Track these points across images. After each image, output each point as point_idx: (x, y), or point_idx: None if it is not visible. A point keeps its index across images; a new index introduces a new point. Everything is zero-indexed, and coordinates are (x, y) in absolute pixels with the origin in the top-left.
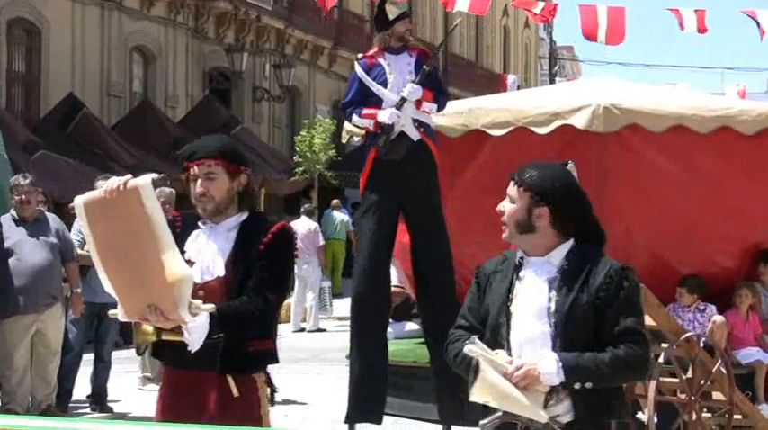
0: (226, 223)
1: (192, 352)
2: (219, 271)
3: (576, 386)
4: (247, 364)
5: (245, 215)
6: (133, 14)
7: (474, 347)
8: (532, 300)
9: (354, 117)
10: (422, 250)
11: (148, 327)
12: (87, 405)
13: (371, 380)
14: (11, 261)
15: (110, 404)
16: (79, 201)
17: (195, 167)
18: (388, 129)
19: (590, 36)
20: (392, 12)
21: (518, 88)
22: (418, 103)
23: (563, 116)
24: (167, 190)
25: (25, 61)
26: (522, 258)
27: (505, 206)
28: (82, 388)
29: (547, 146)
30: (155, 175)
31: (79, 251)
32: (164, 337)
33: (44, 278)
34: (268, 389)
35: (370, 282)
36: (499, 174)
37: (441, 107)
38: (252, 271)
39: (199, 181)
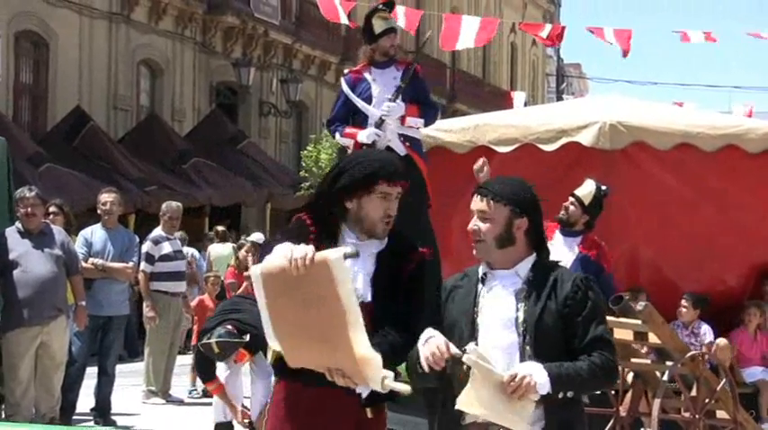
0: (373, 243)
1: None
2: (367, 296)
3: (560, 395)
4: (386, 396)
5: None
6: (141, 28)
7: (470, 356)
8: (500, 311)
9: (337, 135)
10: None
11: None
12: (91, 418)
13: None
14: (15, 273)
15: (113, 417)
16: (257, 272)
17: (390, 187)
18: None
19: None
20: (379, 25)
21: (525, 105)
22: (402, 119)
23: (570, 133)
24: (174, 204)
25: (32, 74)
26: (486, 273)
27: (479, 224)
28: (86, 400)
29: (553, 162)
30: (348, 250)
31: (84, 264)
32: None
33: (49, 290)
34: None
35: None
36: None
37: (429, 121)
38: (396, 297)
39: (390, 203)
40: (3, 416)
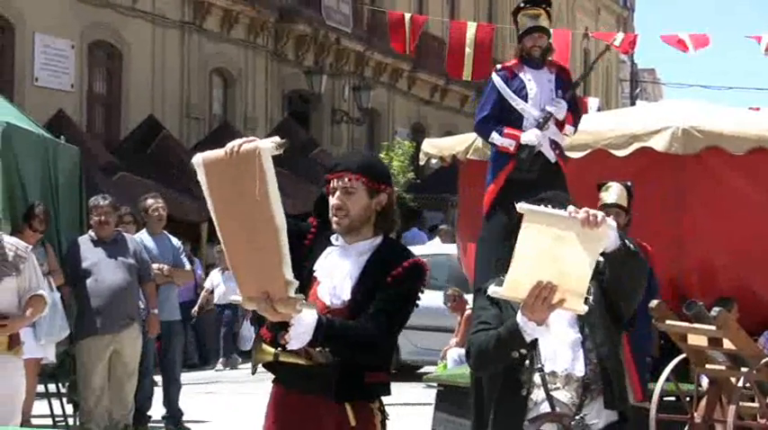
0: (359, 245)
1: (289, 349)
2: (346, 295)
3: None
4: (364, 394)
5: (379, 239)
6: (213, 37)
7: (522, 205)
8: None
9: (494, 134)
10: None
11: (268, 347)
12: (163, 425)
13: None
14: (88, 281)
15: (186, 424)
16: (199, 159)
17: (335, 180)
18: (530, 149)
19: (674, 43)
20: (523, 23)
21: (598, 111)
22: (560, 125)
23: (642, 138)
24: None
25: (106, 83)
26: None
27: None
28: (157, 408)
29: (625, 168)
30: (277, 139)
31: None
32: (281, 358)
33: (121, 299)
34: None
35: None
36: (578, 196)
37: (574, 132)
38: (374, 299)
39: (337, 193)
40: (77, 423)
